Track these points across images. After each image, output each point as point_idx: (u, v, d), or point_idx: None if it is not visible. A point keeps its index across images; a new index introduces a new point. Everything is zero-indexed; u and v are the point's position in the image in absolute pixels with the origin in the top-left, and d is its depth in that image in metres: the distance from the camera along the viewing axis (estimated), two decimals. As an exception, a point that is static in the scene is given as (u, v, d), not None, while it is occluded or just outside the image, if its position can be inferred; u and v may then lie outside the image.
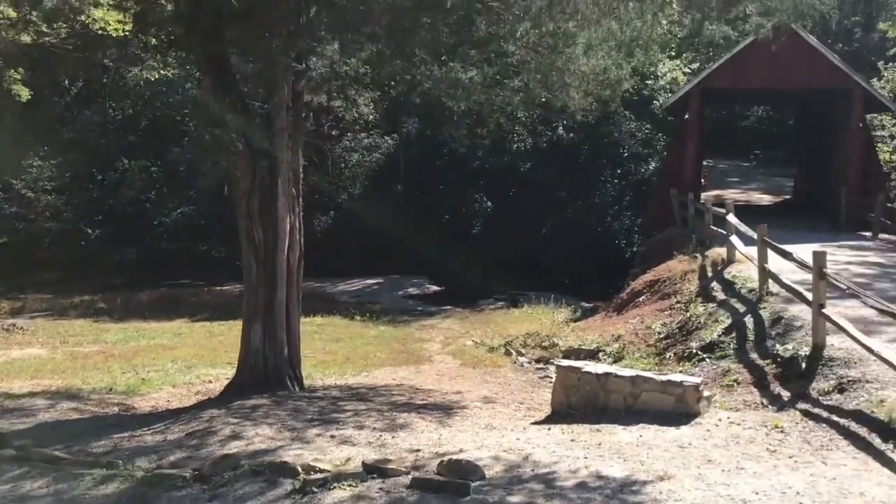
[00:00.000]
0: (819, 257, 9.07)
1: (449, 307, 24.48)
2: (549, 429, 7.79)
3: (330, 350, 14.97)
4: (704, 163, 32.46)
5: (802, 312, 10.28)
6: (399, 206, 31.47)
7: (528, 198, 30.30)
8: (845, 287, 8.56)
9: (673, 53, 31.83)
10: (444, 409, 9.14)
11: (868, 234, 19.35)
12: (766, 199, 31.08)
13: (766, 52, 18.56)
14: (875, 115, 26.97)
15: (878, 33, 33.09)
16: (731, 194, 30.47)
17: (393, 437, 7.65)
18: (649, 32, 9.35)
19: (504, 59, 14.43)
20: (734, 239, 14.50)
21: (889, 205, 20.33)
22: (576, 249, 28.84)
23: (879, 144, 27.60)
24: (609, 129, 31.38)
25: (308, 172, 35.17)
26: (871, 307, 7.95)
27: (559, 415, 8.41)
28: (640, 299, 16.14)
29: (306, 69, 9.84)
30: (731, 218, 14.84)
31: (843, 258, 14.95)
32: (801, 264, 9.95)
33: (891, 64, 30.72)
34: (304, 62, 9.88)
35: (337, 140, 33.74)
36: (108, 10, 12.57)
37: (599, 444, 7.00)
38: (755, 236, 12.37)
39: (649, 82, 31.46)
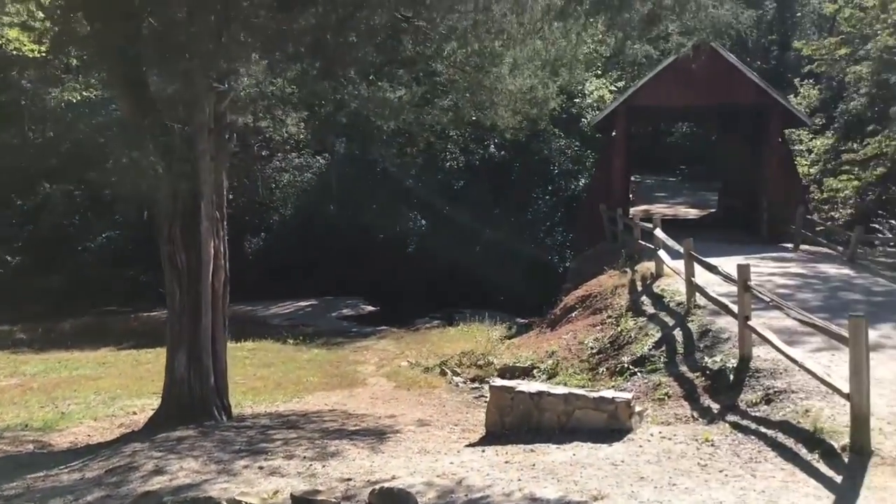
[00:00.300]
0: (743, 270, 9.26)
1: (384, 327, 24.29)
2: (484, 450, 7.70)
3: (261, 376, 14.61)
4: (632, 178, 33.14)
5: (729, 324, 10.47)
6: (332, 225, 31.17)
7: (462, 215, 30.40)
8: (769, 299, 8.73)
9: (599, 72, 32.46)
10: (377, 435, 8.96)
11: (789, 245, 19.94)
12: (692, 213, 31.84)
13: (687, 70, 19.04)
14: (793, 129, 28.00)
15: (794, 51, 34.48)
16: (659, 209, 31.21)
17: (324, 466, 7.44)
18: (573, 52, 9.44)
19: (433, 78, 14.43)
20: (662, 253, 14.73)
21: (808, 216, 21.03)
22: (510, 265, 28.99)
23: (798, 158, 28.69)
24: (539, 147, 31.76)
25: (238, 193, 34.55)
26: (794, 318, 8.11)
27: (494, 436, 8.32)
28: (573, 314, 16.25)
29: (229, 89, 9.60)
30: (658, 232, 15.08)
31: (766, 270, 15.33)
32: (727, 277, 10.13)
33: (806, 81, 32.05)
34: (227, 82, 9.64)
35: (267, 160, 33.29)
36: (21, 30, 12.11)
37: (533, 465, 6.94)
38: (682, 250, 12.59)
39: (577, 100, 31.97)
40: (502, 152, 31.92)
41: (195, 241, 9.74)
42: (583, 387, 10.85)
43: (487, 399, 9.32)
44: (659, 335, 11.78)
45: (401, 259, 30.03)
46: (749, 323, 9.18)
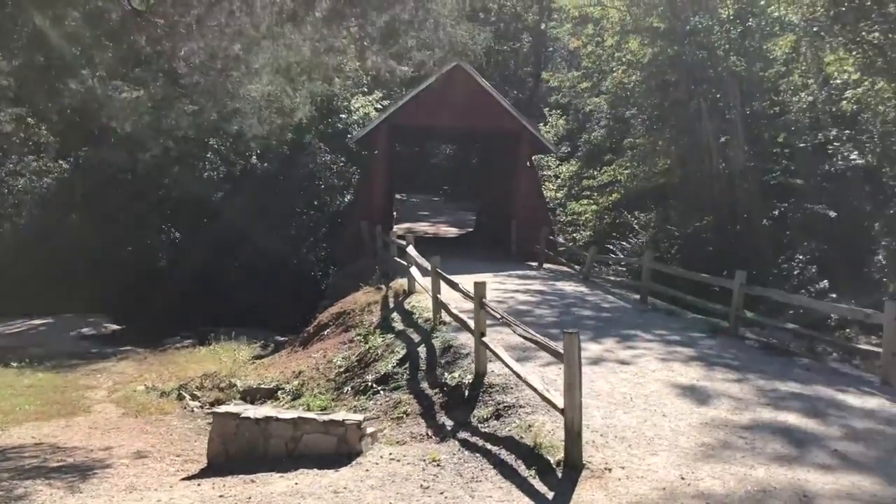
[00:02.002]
0: (479, 288, 9.39)
1: (129, 348, 22.36)
2: (200, 484, 7.06)
3: (-37, 406, 12.74)
4: (397, 196, 33.60)
5: (469, 341, 10.58)
6: (75, 237, 28.41)
7: (221, 228, 28.99)
8: (499, 316, 8.88)
9: (366, 90, 32.66)
10: (82, 471, 7.97)
11: (534, 264, 21.02)
12: (452, 231, 32.82)
13: (445, 93, 19.53)
14: (542, 156, 29.82)
15: (544, 82, 36.85)
16: (422, 227, 31.87)
17: (3, 514, 6.42)
18: (312, 59, 9.12)
19: (176, 80, 13.49)
20: (414, 270, 14.81)
21: (552, 237, 22.33)
22: (271, 282, 28.07)
23: (546, 183, 30.58)
24: (305, 161, 31.20)
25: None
26: (519, 335, 8.29)
27: (216, 467, 7.71)
28: (326, 332, 15.88)
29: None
30: (411, 250, 15.17)
31: (511, 287, 15.92)
32: (466, 294, 10.25)
33: (555, 111, 34.36)
34: None
35: (-3, 162, 29.75)
36: None
37: (250, 498, 6.42)
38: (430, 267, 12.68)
39: (343, 116, 31.88)
40: (266, 164, 30.97)
41: None
42: (325, 408, 10.50)
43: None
44: (405, 352, 11.71)
45: (151, 274, 28.01)
46: (484, 339, 9.32)
